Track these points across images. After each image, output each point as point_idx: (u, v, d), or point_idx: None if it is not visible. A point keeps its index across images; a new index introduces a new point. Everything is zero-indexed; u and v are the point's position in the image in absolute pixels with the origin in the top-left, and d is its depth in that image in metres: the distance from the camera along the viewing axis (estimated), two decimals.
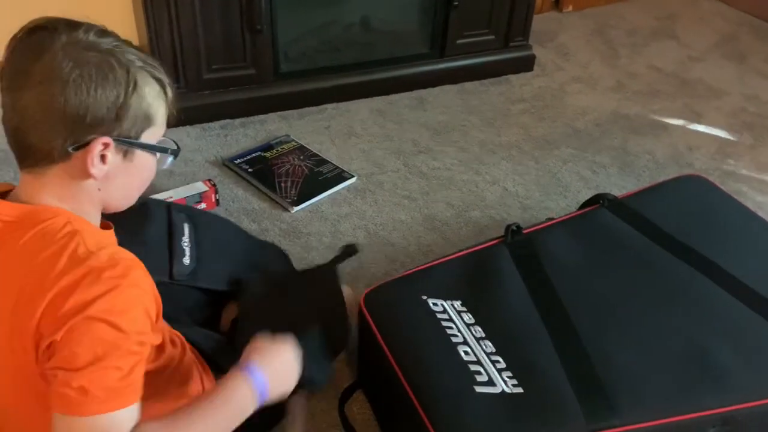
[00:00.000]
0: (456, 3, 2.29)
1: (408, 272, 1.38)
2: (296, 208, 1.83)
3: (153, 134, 0.87)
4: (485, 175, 2.02)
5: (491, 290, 1.31)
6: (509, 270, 1.36)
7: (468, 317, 1.25)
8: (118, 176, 0.85)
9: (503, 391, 1.12)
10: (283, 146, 2.05)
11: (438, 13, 2.34)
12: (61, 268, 0.76)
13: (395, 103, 2.34)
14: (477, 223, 1.84)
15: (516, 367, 1.16)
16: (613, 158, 2.13)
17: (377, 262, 1.68)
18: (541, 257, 1.38)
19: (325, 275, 1.31)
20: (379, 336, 1.24)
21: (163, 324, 0.92)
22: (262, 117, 2.20)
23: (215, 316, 1.29)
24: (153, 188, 1.19)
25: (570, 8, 3.07)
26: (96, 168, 0.82)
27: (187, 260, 1.22)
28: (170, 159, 0.91)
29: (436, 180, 1.99)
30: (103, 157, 0.82)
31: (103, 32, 0.82)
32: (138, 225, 1.19)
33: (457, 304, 1.28)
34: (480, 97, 2.41)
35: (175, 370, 0.99)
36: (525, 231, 1.45)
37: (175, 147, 0.91)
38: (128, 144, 0.83)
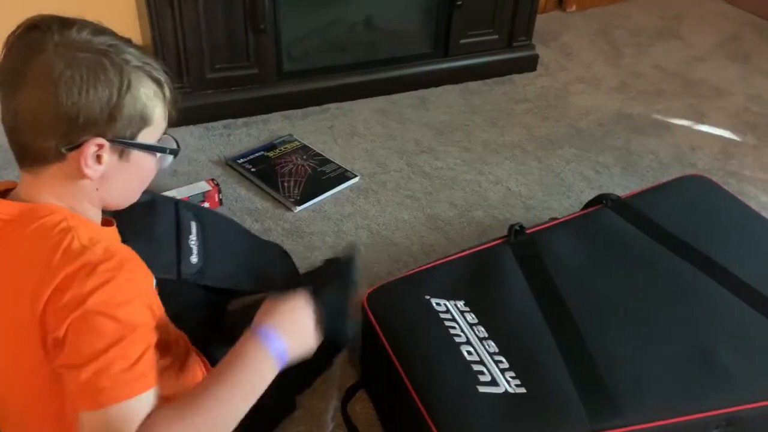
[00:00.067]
0: (459, 2, 2.28)
1: (411, 272, 1.38)
2: (299, 208, 1.83)
3: (150, 134, 0.86)
4: (488, 175, 2.02)
5: (494, 290, 1.31)
6: (512, 270, 1.35)
7: (471, 317, 1.25)
8: (116, 176, 0.85)
9: (506, 391, 1.12)
10: (286, 146, 2.05)
11: (441, 13, 2.33)
12: (56, 264, 0.76)
13: (398, 102, 2.34)
14: (480, 223, 1.84)
15: (519, 367, 1.16)
16: (617, 158, 2.13)
17: (380, 261, 1.68)
18: (545, 257, 1.38)
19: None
20: (382, 336, 1.24)
21: (168, 323, 0.92)
22: (265, 116, 2.20)
23: (219, 315, 1.29)
24: (156, 187, 1.19)
25: (573, 8, 3.06)
26: (90, 169, 0.81)
27: (194, 259, 1.22)
28: (170, 158, 0.91)
29: (439, 180, 1.99)
30: (98, 158, 0.81)
31: (99, 30, 0.81)
32: (146, 222, 1.19)
33: (460, 304, 1.28)
34: (483, 96, 2.41)
35: (179, 370, 0.99)
36: (528, 231, 1.45)
37: (174, 146, 0.90)
38: (123, 145, 0.83)
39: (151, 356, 0.78)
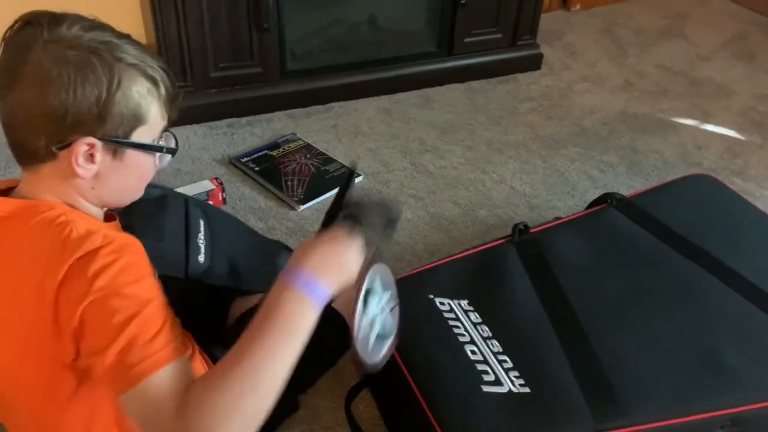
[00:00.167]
0: (463, 1, 2.28)
1: (414, 271, 1.38)
2: (303, 207, 1.83)
3: (146, 133, 0.84)
4: (492, 174, 2.02)
5: (498, 289, 1.31)
6: (516, 269, 1.35)
7: (475, 316, 1.25)
8: (111, 175, 0.84)
9: (510, 390, 1.12)
10: (290, 145, 2.05)
11: (445, 12, 2.33)
12: (58, 257, 0.76)
13: (402, 101, 2.33)
14: (484, 222, 1.83)
15: (523, 366, 1.16)
16: (621, 157, 2.12)
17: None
18: (549, 256, 1.38)
19: None
20: None
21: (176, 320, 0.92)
22: (268, 115, 2.20)
23: (222, 314, 1.29)
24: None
25: (578, 7, 3.06)
26: (81, 168, 0.81)
27: (201, 258, 1.22)
28: (168, 157, 0.90)
29: (443, 179, 1.98)
30: (91, 157, 0.81)
31: (91, 26, 0.80)
32: (157, 218, 1.18)
33: (464, 303, 1.27)
34: (487, 95, 2.40)
35: None
36: (532, 230, 1.45)
37: (171, 145, 0.89)
38: (116, 144, 0.82)
39: (170, 329, 0.76)
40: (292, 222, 1.78)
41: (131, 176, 0.88)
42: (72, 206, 0.83)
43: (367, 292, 0.81)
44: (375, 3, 2.34)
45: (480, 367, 1.15)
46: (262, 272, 1.31)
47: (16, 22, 0.80)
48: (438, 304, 1.27)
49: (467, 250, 1.42)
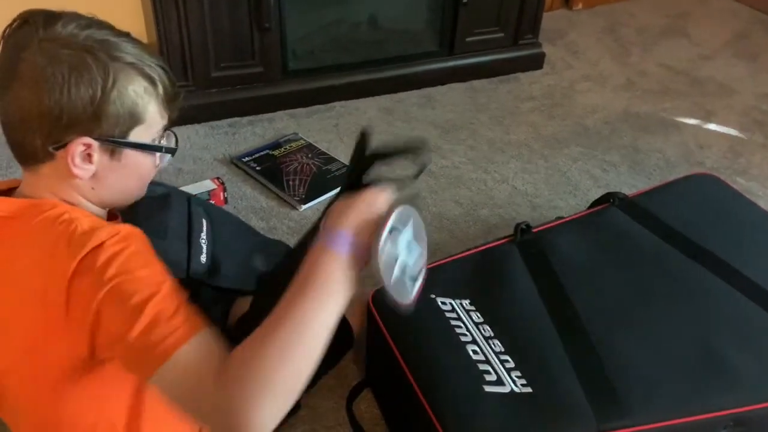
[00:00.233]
0: (465, 1, 2.28)
1: None
2: (304, 207, 1.82)
3: (144, 132, 0.83)
4: (494, 174, 2.01)
5: (500, 289, 1.31)
6: (519, 269, 1.35)
7: (477, 316, 1.24)
8: (109, 175, 0.83)
9: (512, 390, 1.11)
10: (292, 144, 2.05)
11: (447, 11, 2.33)
12: (64, 253, 0.75)
13: (404, 101, 2.33)
14: (486, 222, 1.83)
15: (525, 366, 1.15)
16: (624, 157, 2.11)
17: None
18: (551, 256, 1.37)
19: None
20: (387, 335, 1.24)
21: None
22: (270, 115, 2.20)
23: (223, 314, 1.28)
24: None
25: (580, 6, 3.05)
26: (79, 168, 0.80)
27: (203, 258, 1.21)
28: (168, 157, 0.89)
29: (445, 178, 1.98)
30: (88, 157, 0.80)
31: (87, 24, 0.79)
32: (159, 218, 1.18)
33: (466, 303, 1.27)
34: (489, 95, 2.40)
35: None
36: (534, 230, 1.44)
37: (170, 145, 0.88)
38: (113, 144, 0.81)
39: (189, 307, 0.75)
40: (294, 222, 1.78)
41: (130, 176, 0.87)
42: (73, 206, 0.83)
43: (394, 230, 0.80)
44: (376, 2, 2.34)
45: (482, 366, 1.15)
46: (263, 273, 1.31)
47: (14, 20, 0.79)
48: (440, 303, 1.26)
49: (469, 249, 1.42)
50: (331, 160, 1.99)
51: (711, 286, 1.31)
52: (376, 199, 0.81)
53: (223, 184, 1.82)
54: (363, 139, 0.93)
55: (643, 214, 1.47)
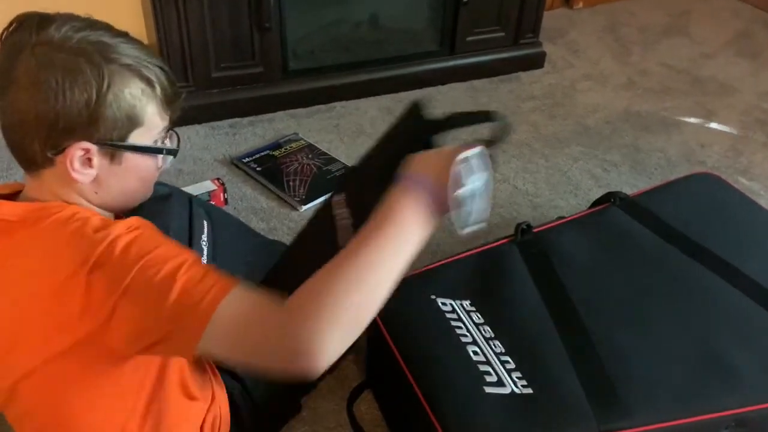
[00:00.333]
0: (465, 0, 2.27)
1: (416, 271, 1.37)
2: (304, 207, 1.82)
3: (144, 134, 0.83)
4: (495, 173, 2.00)
5: (501, 290, 1.30)
6: (519, 269, 1.34)
7: (477, 317, 1.24)
8: (111, 179, 0.83)
9: (513, 391, 1.11)
10: (292, 145, 2.04)
11: (447, 10, 2.32)
12: (82, 250, 0.75)
13: (404, 101, 2.31)
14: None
15: (526, 367, 1.15)
16: (625, 156, 2.11)
17: None
18: (552, 256, 1.37)
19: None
20: (387, 336, 1.23)
21: None
22: (270, 115, 2.19)
23: None
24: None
25: (581, 5, 3.04)
26: (78, 173, 0.80)
27: (204, 259, 1.21)
28: (169, 158, 0.89)
29: None
30: (88, 161, 0.80)
31: (82, 26, 0.78)
32: (161, 219, 1.18)
33: (467, 303, 1.27)
34: (489, 94, 2.39)
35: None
36: (535, 230, 1.44)
37: (171, 146, 0.88)
38: (112, 147, 0.80)
39: (216, 271, 0.75)
40: (294, 222, 1.78)
41: (132, 179, 0.86)
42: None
43: (467, 160, 0.81)
44: (376, 2, 2.34)
45: (482, 367, 1.15)
46: (263, 274, 1.31)
47: (10, 23, 0.79)
48: (440, 304, 1.26)
49: (469, 250, 1.41)
50: (332, 160, 1.99)
51: (712, 286, 1.31)
52: (458, 152, 0.81)
53: (223, 184, 1.82)
54: (417, 108, 0.95)
55: (644, 214, 1.47)
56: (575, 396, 1.11)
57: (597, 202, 1.59)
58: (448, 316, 1.24)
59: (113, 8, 2.10)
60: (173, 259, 0.74)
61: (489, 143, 0.87)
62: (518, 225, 1.43)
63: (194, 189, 1.78)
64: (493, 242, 1.43)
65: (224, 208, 1.80)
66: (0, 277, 0.81)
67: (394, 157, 0.85)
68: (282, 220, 1.78)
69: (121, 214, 0.93)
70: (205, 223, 1.25)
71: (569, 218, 1.51)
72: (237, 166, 1.96)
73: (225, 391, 1.10)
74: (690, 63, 2.66)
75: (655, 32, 2.89)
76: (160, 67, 0.83)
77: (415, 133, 0.91)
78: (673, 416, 1.11)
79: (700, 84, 2.53)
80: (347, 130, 2.16)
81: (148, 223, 0.80)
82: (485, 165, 0.82)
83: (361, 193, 0.87)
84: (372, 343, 1.32)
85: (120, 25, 0.83)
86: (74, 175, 0.80)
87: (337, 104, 2.27)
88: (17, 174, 1.80)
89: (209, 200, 1.77)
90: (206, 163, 1.98)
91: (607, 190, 1.66)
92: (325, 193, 1.85)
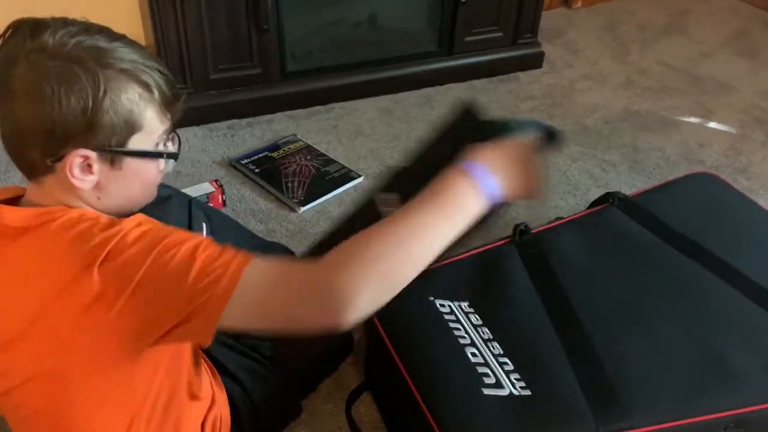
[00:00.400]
0: (464, 0, 2.27)
1: None
2: (303, 209, 1.82)
3: (143, 139, 0.82)
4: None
5: (499, 291, 1.30)
6: (517, 270, 1.34)
7: (475, 318, 1.24)
8: (113, 185, 0.82)
9: (511, 393, 1.11)
10: (290, 146, 2.04)
11: (446, 11, 2.32)
12: (94, 245, 0.75)
13: (403, 101, 2.32)
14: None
15: (524, 369, 1.15)
16: (623, 156, 2.11)
17: None
18: (550, 257, 1.37)
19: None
20: (386, 338, 1.23)
21: None
22: (268, 117, 2.19)
23: None
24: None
25: (579, 4, 3.04)
26: (79, 180, 0.79)
27: None
28: (171, 161, 0.88)
29: None
30: (88, 168, 0.79)
31: (77, 32, 0.77)
32: (161, 221, 1.18)
33: (465, 305, 1.27)
34: (488, 95, 2.39)
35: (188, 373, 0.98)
36: (533, 230, 1.44)
37: (171, 150, 0.87)
38: (111, 153, 0.80)
39: (232, 248, 0.76)
40: (293, 224, 1.78)
41: (134, 184, 0.86)
42: None
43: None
44: (375, 3, 2.34)
45: (480, 369, 1.14)
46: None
47: (5, 30, 0.78)
48: (438, 305, 1.26)
49: (468, 251, 1.41)
50: (330, 161, 1.99)
51: (711, 286, 1.31)
52: (522, 146, 0.85)
53: (221, 186, 1.82)
54: (470, 109, 1.00)
55: (643, 214, 1.46)
56: (574, 397, 1.11)
57: (596, 203, 1.59)
58: (447, 317, 1.24)
59: (111, 10, 2.10)
60: (189, 240, 0.75)
61: (547, 141, 0.93)
62: (516, 226, 1.43)
63: (192, 191, 1.78)
64: (492, 243, 1.43)
65: (223, 210, 1.80)
66: (2, 282, 0.81)
67: (448, 158, 0.87)
68: (281, 222, 1.78)
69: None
70: (204, 225, 1.25)
71: (568, 219, 1.51)
72: (235, 168, 1.96)
73: (225, 393, 1.10)
74: (689, 62, 2.66)
75: (653, 31, 2.89)
76: (159, 70, 0.82)
77: (472, 134, 0.94)
78: (673, 417, 1.11)
79: (699, 83, 2.52)
80: (346, 131, 2.15)
81: (154, 219, 0.81)
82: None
83: (413, 192, 0.89)
84: (370, 344, 1.32)
85: (118, 26, 0.82)
86: (74, 181, 0.79)
87: (336, 105, 2.27)
88: (15, 176, 1.80)
89: (207, 202, 1.77)
90: (204, 164, 1.98)
91: (606, 190, 1.66)
92: (324, 194, 1.87)
